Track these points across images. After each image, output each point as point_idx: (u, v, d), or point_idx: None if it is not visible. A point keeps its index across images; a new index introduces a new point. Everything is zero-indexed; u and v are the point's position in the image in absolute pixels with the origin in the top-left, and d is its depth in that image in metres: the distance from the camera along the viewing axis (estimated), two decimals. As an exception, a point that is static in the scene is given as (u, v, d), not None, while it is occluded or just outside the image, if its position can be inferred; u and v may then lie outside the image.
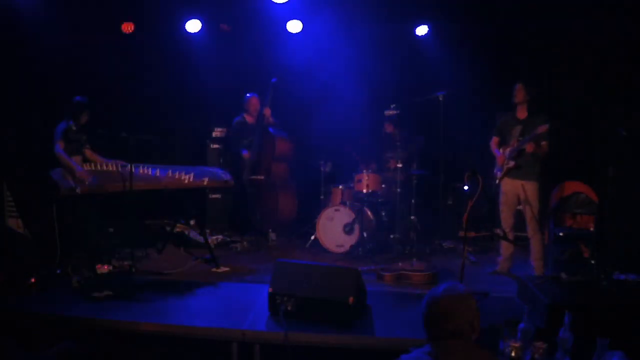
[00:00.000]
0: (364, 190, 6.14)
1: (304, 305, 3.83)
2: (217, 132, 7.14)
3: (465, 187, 4.45)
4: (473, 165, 4.40)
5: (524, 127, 5.10)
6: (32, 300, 4.24)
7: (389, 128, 6.64)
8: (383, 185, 6.25)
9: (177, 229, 6.20)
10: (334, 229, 6.10)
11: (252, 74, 7.04)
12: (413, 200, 6.30)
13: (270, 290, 3.93)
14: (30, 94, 6.21)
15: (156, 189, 5.09)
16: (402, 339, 3.59)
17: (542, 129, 4.87)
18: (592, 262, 5.01)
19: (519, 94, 5.15)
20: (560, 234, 5.68)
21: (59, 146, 5.10)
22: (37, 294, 4.35)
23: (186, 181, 5.17)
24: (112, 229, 6.09)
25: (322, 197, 6.62)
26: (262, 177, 6.54)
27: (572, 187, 6.00)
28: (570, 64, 6.52)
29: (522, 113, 5.20)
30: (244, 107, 6.69)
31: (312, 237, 6.31)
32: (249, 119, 6.70)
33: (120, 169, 4.90)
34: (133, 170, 4.66)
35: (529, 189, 5.14)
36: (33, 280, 4.50)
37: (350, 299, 3.75)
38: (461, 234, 4.77)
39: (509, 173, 5.22)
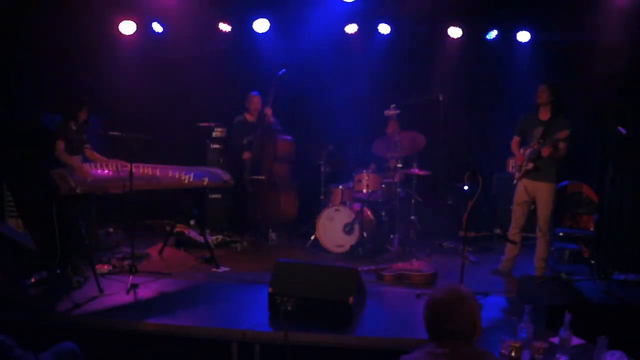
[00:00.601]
0: (364, 190, 6.14)
1: (304, 305, 3.83)
2: (217, 132, 7.13)
3: (465, 187, 4.44)
4: (473, 165, 4.41)
5: (545, 128, 5.04)
6: (32, 300, 4.24)
7: (391, 128, 6.63)
8: (383, 185, 6.24)
9: (177, 229, 6.20)
10: (334, 229, 6.10)
11: (252, 74, 7.03)
12: (413, 200, 6.29)
13: (270, 290, 3.93)
14: (31, 93, 6.20)
15: (156, 189, 5.09)
16: (402, 339, 3.59)
17: (563, 134, 4.82)
18: (592, 262, 5.02)
19: (543, 94, 5.08)
20: (560, 234, 5.69)
21: (59, 146, 5.10)
22: (37, 294, 4.35)
23: (186, 181, 5.17)
24: (112, 229, 6.10)
25: (322, 197, 6.62)
26: (264, 177, 6.54)
27: (572, 187, 6.01)
28: (570, 63, 6.52)
29: (544, 114, 5.12)
30: (246, 105, 6.69)
31: (312, 237, 6.31)
32: (249, 117, 6.70)
33: (120, 168, 4.89)
34: (133, 170, 4.66)
35: (546, 190, 5.10)
36: (33, 280, 4.50)
37: (350, 299, 3.75)
38: (461, 234, 4.78)
39: (527, 174, 5.19)
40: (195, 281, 4.89)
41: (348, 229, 6.04)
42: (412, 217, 6.29)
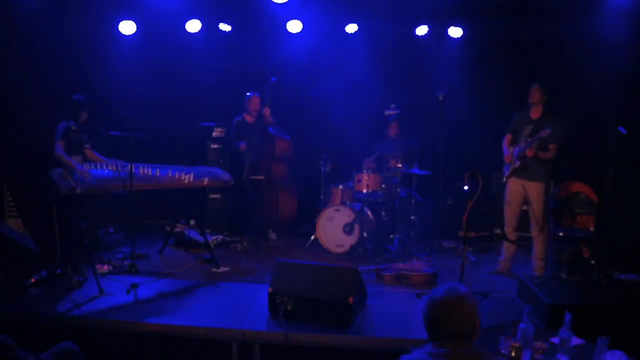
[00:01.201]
0: (364, 190, 6.14)
1: (304, 305, 3.84)
2: (217, 132, 7.13)
3: (465, 187, 4.44)
4: (473, 165, 4.40)
5: (534, 127, 5.06)
6: (32, 300, 4.24)
7: (392, 129, 6.64)
8: (383, 185, 6.25)
9: (177, 229, 6.20)
10: (334, 229, 6.10)
11: (252, 74, 7.03)
12: (413, 200, 6.30)
13: (270, 290, 3.93)
14: (30, 93, 6.20)
15: (156, 189, 5.09)
16: (402, 339, 3.59)
17: (544, 133, 4.83)
18: (592, 262, 5.02)
19: (535, 94, 5.11)
20: (560, 234, 5.69)
21: (59, 146, 5.10)
22: (37, 294, 4.35)
23: (186, 181, 5.17)
24: (112, 229, 6.10)
25: (322, 197, 6.62)
26: (262, 177, 6.54)
27: (572, 187, 6.01)
28: (569, 63, 6.52)
29: (535, 113, 5.15)
30: (245, 105, 6.69)
31: (312, 237, 6.31)
32: (248, 118, 6.70)
33: (120, 169, 4.89)
34: (133, 170, 4.66)
35: (535, 189, 5.11)
36: (33, 280, 4.50)
37: (350, 299, 3.75)
38: (461, 234, 4.77)
39: (515, 173, 5.20)
40: (195, 281, 4.89)
41: (348, 229, 6.05)
42: (412, 217, 6.29)
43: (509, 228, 5.31)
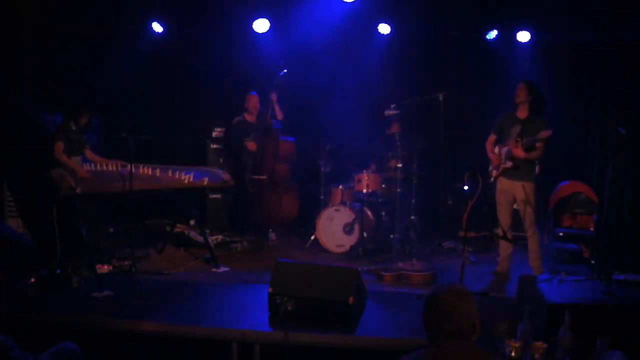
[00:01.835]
0: (364, 190, 6.14)
1: (304, 305, 3.83)
2: (217, 132, 7.13)
3: (465, 187, 4.44)
4: (473, 165, 4.40)
5: (523, 127, 5.05)
6: (32, 300, 4.24)
7: (392, 129, 6.63)
8: (383, 185, 6.25)
9: (177, 229, 6.20)
10: (334, 229, 6.10)
11: (252, 74, 7.03)
12: (413, 200, 6.29)
13: (270, 290, 3.93)
14: (31, 93, 6.20)
15: (156, 189, 5.09)
16: (402, 339, 3.59)
17: (545, 134, 4.81)
18: (592, 262, 5.02)
19: (521, 93, 5.09)
20: (560, 234, 5.69)
21: (59, 147, 5.10)
22: (37, 294, 4.35)
23: (186, 181, 5.17)
24: (112, 229, 6.10)
25: (322, 197, 6.62)
26: (265, 177, 6.54)
27: (572, 187, 6.01)
28: (570, 63, 6.53)
29: (522, 112, 5.14)
30: (245, 105, 6.69)
31: (312, 237, 6.31)
32: (249, 117, 6.70)
33: (120, 169, 4.89)
34: (133, 170, 4.66)
35: (525, 189, 5.09)
36: (33, 280, 4.50)
37: (350, 299, 3.75)
38: (461, 234, 4.77)
39: (504, 173, 5.18)
40: (195, 281, 4.88)
41: (348, 229, 6.05)
42: (412, 217, 6.29)
43: (505, 227, 5.29)
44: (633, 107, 5.69)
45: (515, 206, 5.32)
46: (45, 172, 4.68)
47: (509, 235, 5.26)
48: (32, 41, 6.13)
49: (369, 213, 6.15)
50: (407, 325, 3.84)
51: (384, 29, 7.07)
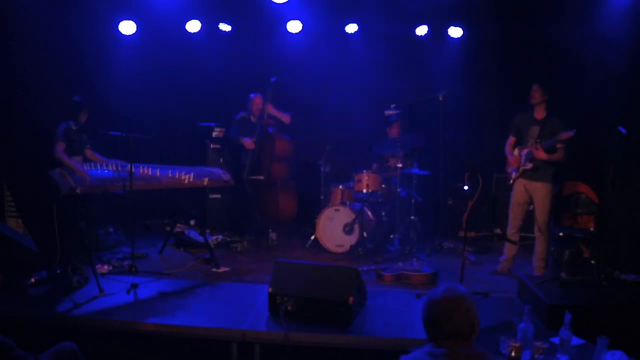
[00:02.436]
0: (364, 190, 6.14)
1: (304, 305, 3.84)
2: (217, 132, 7.13)
3: (465, 187, 4.45)
4: (473, 165, 4.40)
5: (541, 127, 5.03)
6: (32, 300, 4.25)
7: (393, 129, 6.63)
8: (383, 185, 6.24)
9: (177, 229, 6.20)
10: (334, 229, 6.10)
11: (252, 74, 7.03)
12: (413, 200, 6.30)
13: (270, 290, 3.93)
14: (30, 93, 6.20)
15: (156, 189, 5.09)
16: (402, 339, 3.59)
17: (567, 135, 4.76)
18: (592, 262, 5.02)
19: (536, 94, 5.07)
20: (560, 234, 5.69)
21: (59, 147, 5.10)
22: (37, 294, 4.35)
23: (186, 181, 5.17)
24: (112, 229, 6.10)
25: (322, 197, 6.62)
26: (262, 177, 6.54)
27: (572, 187, 6.01)
28: (569, 63, 6.52)
29: (539, 113, 5.12)
30: (247, 106, 6.68)
31: (312, 237, 6.31)
32: (252, 118, 6.69)
33: (120, 169, 4.89)
34: (133, 170, 4.66)
35: (543, 190, 5.08)
36: (33, 280, 4.51)
37: (350, 299, 3.75)
38: (461, 234, 4.78)
39: (523, 174, 5.17)
40: (195, 281, 4.89)
41: (348, 229, 6.05)
42: (412, 217, 6.29)
43: (513, 229, 5.29)
44: (633, 107, 5.70)
45: (530, 207, 5.30)
46: (45, 172, 4.68)
47: (516, 237, 5.25)
48: (31, 41, 6.13)
49: (369, 213, 6.15)
50: (407, 325, 3.85)
51: (384, 28, 7.07)
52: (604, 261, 4.80)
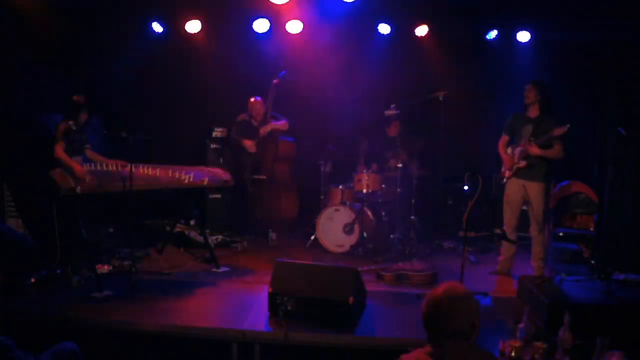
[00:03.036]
0: (364, 190, 6.14)
1: (304, 305, 3.83)
2: (217, 132, 7.12)
3: (465, 187, 4.45)
4: (473, 165, 4.41)
5: (535, 126, 5.04)
6: (32, 300, 4.24)
7: (393, 129, 6.63)
8: (383, 185, 6.24)
9: (177, 229, 6.20)
10: (334, 229, 6.10)
11: (252, 74, 7.03)
12: (413, 200, 6.29)
13: (270, 290, 3.93)
14: (30, 93, 6.20)
15: (156, 189, 5.09)
16: (402, 339, 3.59)
17: (560, 130, 4.76)
18: (592, 262, 5.02)
19: (530, 94, 5.08)
20: (560, 234, 5.69)
21: (59, 147, 5.09)
22: (37, 294, 4.35)
23: (186, 181, 5.17)
24: (112, 229, 6.10)
25: (322, 197, 6.62)
26: (265, 177, 6.54)
27: (572, 187, 6.01)
28: (570, 63, 6.52)
29: (533, 112, 5.12)
30: (248, 111, 6.66)
31: (312, 237, 6.31)
32: (253, 121, 6.68)
33: (120, 169, 4.89)
34: (133, 170, 4.66)
35: (536, 189, 5.08)
36: (33, 280, 4.50)
37: (350, 299, 3.75)
38: (461, 234, 4.77)
39: (517, 173, 5.17)
40: (195, 281, 4.89)
41: (348, 229, 6.05)
42: (412, 217, 6.29)
43: (509, 229, 5.29)
44: (633, 107, 5.70)
45: (524, 207, 5.30)
46: (45, 172, 4.67)
47: (513, 236, 5.25)
48: (32, 41, 6.13)
49: (369, 213, 6.14)
50: (407, 325, 3.84)
51: (384, 29, 7.07)
52: (604, 261, 4.81)
